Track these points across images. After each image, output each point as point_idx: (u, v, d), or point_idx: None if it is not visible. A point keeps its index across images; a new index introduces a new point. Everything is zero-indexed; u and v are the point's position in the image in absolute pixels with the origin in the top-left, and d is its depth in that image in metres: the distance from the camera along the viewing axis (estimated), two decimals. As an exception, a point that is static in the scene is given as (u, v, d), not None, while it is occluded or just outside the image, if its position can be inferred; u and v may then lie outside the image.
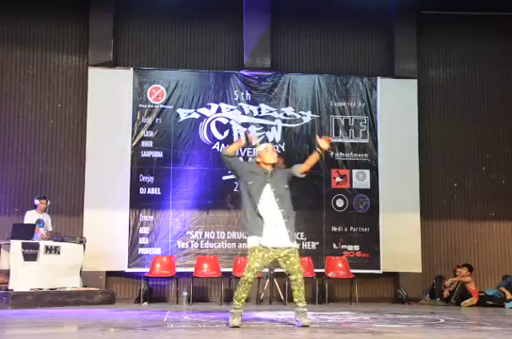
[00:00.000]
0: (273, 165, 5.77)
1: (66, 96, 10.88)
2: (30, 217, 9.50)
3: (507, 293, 9.98)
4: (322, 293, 10.01)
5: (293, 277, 5.63)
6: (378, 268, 10.74)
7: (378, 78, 11.25)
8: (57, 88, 10.89)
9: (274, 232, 5.55)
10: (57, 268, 8.90)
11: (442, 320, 6.51)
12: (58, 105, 10.86)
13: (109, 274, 10.31)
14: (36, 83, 10.85)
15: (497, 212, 11.36)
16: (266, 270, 10.19)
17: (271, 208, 5.58)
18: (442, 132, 11.52)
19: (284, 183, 5.72)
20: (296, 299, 5.66)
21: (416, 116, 11.23)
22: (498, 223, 11.37)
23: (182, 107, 10.80)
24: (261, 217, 5.56)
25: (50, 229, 9.68)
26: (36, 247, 8.66)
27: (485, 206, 11.36)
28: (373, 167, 11.04)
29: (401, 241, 10.64)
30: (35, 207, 9.62)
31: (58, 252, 8.96)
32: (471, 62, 11.72)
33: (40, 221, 9.46)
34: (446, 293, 10.17)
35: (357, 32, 11.52)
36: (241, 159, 5.83)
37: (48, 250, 8.81)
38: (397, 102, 11.17)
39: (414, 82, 11.30)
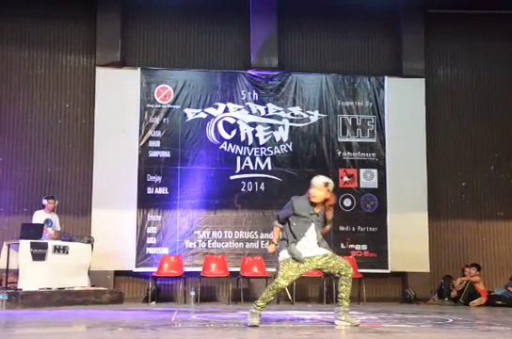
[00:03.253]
0: (322, 203, 5.70)
1: (74, 96, 10.92)
2: (38, 216, 9.53)
3: (516, 293, 9.95)
4: (330, 292, 9.99)
5: (342, 273, 5.68)
6: (386, 268, 10.72)
7: (386, 77, 11.23)
8: (65, 88, 10.93)
9: (305, 246, 5.65)
10: (66, 268, 8.92)
11: (451, 320, 6.49)
12: (66, 106, 10.90)
13: (117, 274, 10.34)
14: (44, 83, 10.90)
15: (505, 211, 11.32)
16: (274, 270, 10.19)
17: (311, 242, 5.67)
18: (450, 131, 11.49)
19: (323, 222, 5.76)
20: (342, 294, 5.63)
21: (424, 115, 11.20)
22: (506, 222, 11.33)
23: (189, 107, 10.82)
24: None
25: (58, 229, 9.71)
26: (44, 246, 8.69)
27: (493, 205, 11.32)
28: (380, 166, 11.02)
29: (409, 241, 10.62)
30: (43, 207, 9.65)
31: (67, 252, 8.98)
32: (478, 61, 11.68)
33: (48, 221, 9.49)
34: (454, 293, 10.14)
35: (364, 31, 11.50)
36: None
37: (56, 249, 8.84)
38: (405, 101, 11.14)
39: (422, 81, 11.27)
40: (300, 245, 5.62)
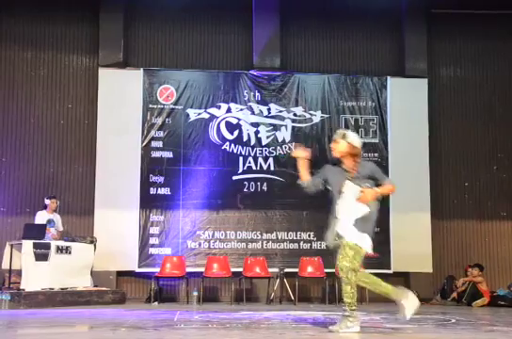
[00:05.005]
0: (346, 157, 5.28)
1: (76, 97, 10.93)
2: (41, 217, 9.54)
3: (519, 293, 9.93)
4: (332, 293, 9.98)
5: None
6: (389, 268, 10.70)
7: (388, 77, 11.22)
8: (68, 88, 10.95)
9: (339, 223, 5.32)
10: (68, 268, 8.93)
11: (453, 320, 6.48)
12: (69, 106, 10.91)
13: (120, 274, 10.35)
14: (47, 84, 10.91)
15: (508, 211, 11.30)
16: (277, 270, 10.21)
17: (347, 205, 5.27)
18: (453, 131, 11.48)
19: (361, 181, 5.23)
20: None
21: (426, 115, 11.19)
22: (509, 223, 11.31)
23: (191, 107, 10.82)
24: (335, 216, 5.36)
25: (61, 229, 9.72)
26: (47, 247, 8.70)
27: (496, 206, 11.30)
28: (383, 166, 10.98)
29: (411, 241, 10.61)
30: (45, 208, 9.66)
31: (69, 252, 9.00)
32: (481, 61, 11.66)
33: (50, 221, 9.50)
34: (454, 294, 10.13)
35: (366, 31, 11.50)
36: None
37: (59, 249, 8.85)
38: (407, 101, 11.13)
39: (424, 81, 11.26)
40: (338, 221, 5.24)
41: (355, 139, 5.37)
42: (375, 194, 5.23)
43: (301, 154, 5.43)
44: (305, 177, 5.43)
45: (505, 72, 11.67)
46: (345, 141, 5.33)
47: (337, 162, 5.42)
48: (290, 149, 10.86)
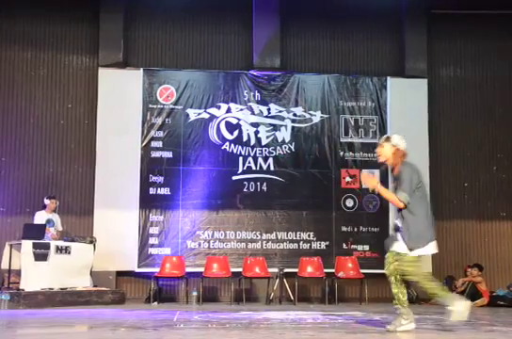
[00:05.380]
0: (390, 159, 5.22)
1: (76, 97, 10.93)
2: (40, 217, 9.54)
3: (518, 293, 9.93)
4: (332, 293, 9.99)
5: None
6: (389, 268, 10.68)
7: (388, 78, 11.22)
8: (68, 88, 10.94)
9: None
10: (68, 268, 8.94)
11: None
12: (69, 106, 10.91)
13: (119, 274, 10.35)
14: (46, 83, 10.91)
15: (508, 212, 11.30)
16: (276, 270, 10.21)
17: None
18: (453, 131, 11.48)
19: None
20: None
21: (426, 115, 11.19)
22: (509, 223, 11.31)
23: (191, 107, 10.83)
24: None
25: (60, 229, 9.72)
26: (47, 247, 8.70)
27: (495, 206, 11.30)
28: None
29: (411, 241, 10.59)
30: (44, 208, 9.65)
31: (69, 252, 9.00)
32: (481, 61, 11.66)
33: (49, 221, 9.50)
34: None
35: (366, 31, 11.50)
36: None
37: (59, 249, 8.86)
38: (407, 101, 11.13)
39: (424, 81, 11.26)
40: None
41: (400, 142, 5.29)
42: (372, 181, 5.16)
43: (373, 183, 5.18)
44: (397, 199, 5.16)
45: (505, 72, 11.67)
46: (390, 144, 5.26)
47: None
48: (290, 149, 10.87)
